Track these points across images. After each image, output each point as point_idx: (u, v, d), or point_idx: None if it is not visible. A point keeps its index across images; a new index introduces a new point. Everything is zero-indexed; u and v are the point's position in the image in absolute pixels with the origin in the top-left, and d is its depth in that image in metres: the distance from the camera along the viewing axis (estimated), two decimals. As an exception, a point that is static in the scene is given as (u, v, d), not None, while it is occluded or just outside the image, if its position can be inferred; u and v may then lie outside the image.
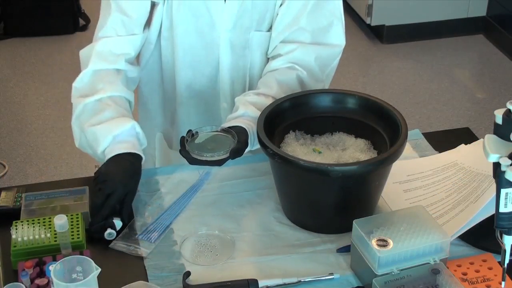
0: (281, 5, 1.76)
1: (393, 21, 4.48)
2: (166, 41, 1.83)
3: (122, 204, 1.55)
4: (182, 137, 1.61)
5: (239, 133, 1.61)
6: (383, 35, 4.54)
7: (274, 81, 1.74)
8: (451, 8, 4.50)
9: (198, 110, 1.91)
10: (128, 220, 1.57)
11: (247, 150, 1.62)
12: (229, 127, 1.63)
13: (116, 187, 1.53)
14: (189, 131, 1.62)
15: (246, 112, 1.67)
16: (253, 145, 1.65)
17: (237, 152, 1.57)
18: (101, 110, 1.65)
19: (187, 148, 1.58)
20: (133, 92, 1.78)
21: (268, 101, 1.66)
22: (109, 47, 1.74)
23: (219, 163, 1.58)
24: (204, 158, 1.57)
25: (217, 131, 1.64)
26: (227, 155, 1.57)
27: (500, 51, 4.46)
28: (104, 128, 1.62)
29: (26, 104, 3.95)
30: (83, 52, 1.77)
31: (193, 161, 1.57)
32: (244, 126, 1.63)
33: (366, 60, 4.41)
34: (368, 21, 4.47)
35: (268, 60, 1.85)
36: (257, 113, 1.62)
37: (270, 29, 1.80)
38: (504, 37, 4.45)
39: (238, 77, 1.85)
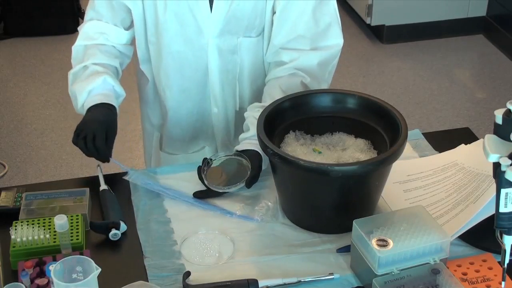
0: (274, 12, 1.76)
1: (393, 21, 4.48)
2: (153, 46, 1.84)
3: (106, 141, 1.68)
4: (199, 167, 1.66)
5: (252, 158, 1.64)
6: (383, 35, 4.54)
7: (279, 91, 1.74)
8: (451, 8, 4.50)
9: (190, 115, 1.92)
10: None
11: (262, 169, 1.66)
12: (242, 151, 1.66)
13: (95, 128, 1.66)
14: (205, 159, 1.67)
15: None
16: (267, 162, 1.66)
17: (252, 181, 1.63)
18: (82, 74, 1.80)
19: (205, 182, 1.64)
20: (118, 58, 1.85)
21: None
22: (94, 28, 1.83)
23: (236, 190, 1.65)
24: (222, 191, 1.64)
25: (230, 156, 1.68)
26: (243, 184, 1.62)
27: (500, 51, 4.46)
28: (80, 85, 1.76)
29: (26, 104, 3.95)
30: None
31: (210, 194, 1.65)
32: (256, 149, 1.65)
33: (366, 60, 4.41)
34: (368, 21, 4.47)
35: (261, 64, 1.86)
36: None
37: (260, 34, 1.80)
38: (504, 37, 4.45)
39: (228, 82, 1.86)
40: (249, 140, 1.69)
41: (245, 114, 1.76)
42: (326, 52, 1.79)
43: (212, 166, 1.67)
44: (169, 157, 2.02)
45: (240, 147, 1.69)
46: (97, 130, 1.66)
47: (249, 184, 1.62)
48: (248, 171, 1.63)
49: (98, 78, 1.74)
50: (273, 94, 1.74)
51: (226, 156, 1.68)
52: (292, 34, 1.76)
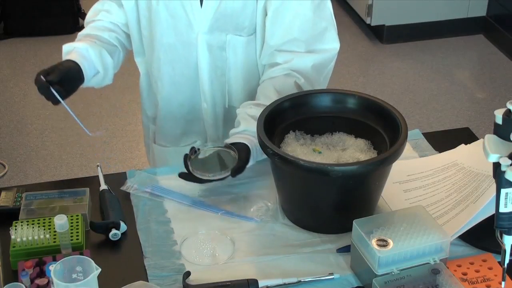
0: (266, 14, 1.76)
1: (393, 21, 4.48)
2: (146, 38, 1.88)
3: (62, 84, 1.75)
4: (185, 155, 1.65)
5: (240, 151, 1.63)
6: (383, 35, 4.54)
7: (273, 91, 1.74)
8: (451, 8, 4.50)
9: (181, 108, 1.94)
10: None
11: (249, 164, 1.65)
12: (231, 143, 1.65)
13: (54, 67, 1.74)
14: (192, 148, 1.66)
15: (248, 128, 1.68)
16: (255, 159, 1.66)
17: (238, 171, 1.61)
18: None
19: (190, 168, 1.62)
20: (112, 31, 1.89)
21: None
22: (99, 5, 1.93)
23: (221, 179, 1.63)
24: (206, 178, 1.62)
25: (219, 147, 1.67)
26: (228, 173, 1.61)
27: (500, 51, 4.46)
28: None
29: (26, 104, 3.95)
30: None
31: (195, 179, 1.63)
32: (246, 143, 1.64)
33: (366, 60, 4.41)
34: (368, 21, 4.47)
35: (252, 64, 1.86)
36: None
37: (251, 34, 1.81)
38: (504, 37, 4.45)
39: (217, 78, 1.87)
40: (240, 134, 1.68)
41: (237, 111, 1.76)
42: (322, 56, 1.79)
43: (199, 155, 1.66)
44: (161, 150, 2.03)
45: (230, 140, 1.68)
46: (55, 69, 1.75)
47: (234, 173, 1.61)
48: (235, 162, 1.62)
49: (85, 43, 1.81)
50: (266, 93, 1.74)
51: (214, 147, 1.68)
52: (286, 36, 1.76)
